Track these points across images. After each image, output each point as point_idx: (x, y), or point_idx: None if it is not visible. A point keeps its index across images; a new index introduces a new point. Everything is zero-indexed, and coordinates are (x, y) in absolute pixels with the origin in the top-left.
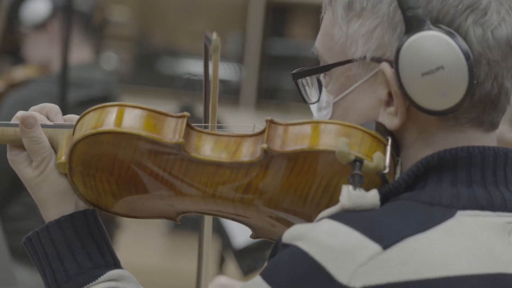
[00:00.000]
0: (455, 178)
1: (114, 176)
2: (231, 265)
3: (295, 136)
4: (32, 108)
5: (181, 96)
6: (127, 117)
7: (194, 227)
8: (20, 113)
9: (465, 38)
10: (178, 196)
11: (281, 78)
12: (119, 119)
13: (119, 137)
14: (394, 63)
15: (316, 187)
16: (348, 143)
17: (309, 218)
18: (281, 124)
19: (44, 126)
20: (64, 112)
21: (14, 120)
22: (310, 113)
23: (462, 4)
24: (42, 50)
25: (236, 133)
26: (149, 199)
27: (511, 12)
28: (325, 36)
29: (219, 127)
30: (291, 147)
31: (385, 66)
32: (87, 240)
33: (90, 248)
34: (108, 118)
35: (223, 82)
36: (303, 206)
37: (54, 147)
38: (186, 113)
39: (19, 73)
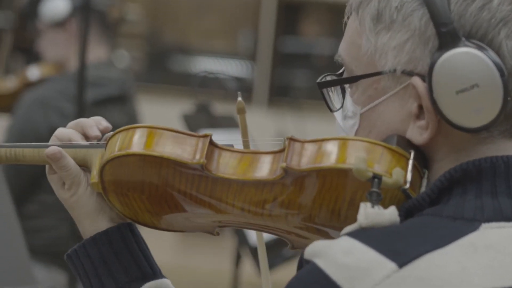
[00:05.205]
0: (480, 190)
1: (146, 195)
2: (248, 263)
3: (313, 154)
4: (69, 124)
5: (196, 94)
6: (151, 138)
7: None
8: (57, 131)
9: (498, 52)
10: (210, 212)
11: (293, 76)
12: (143, 141)
13: (143, 159)
14: (427, 79)
15: (341, 202)
16: (365, 160)
17: None
18: (299, 141)
19: (78, 146)
20: (82, 112)
21: (52, 141)
22: (322, 110)
23: (494, 18)
24: (59, 49)
25: (260, 151)
26: (184, 215)
27: None
28: (351, 44)
29: (248, 142)
30: (310, 165)
31: (416, 80)
32: (123, 254)
33: (126, 261)
34: (133, 140)
35: (235, 80)
36: (332, 220)
37: (89, 167)
38: (209, 133)
39: (35, 71)
